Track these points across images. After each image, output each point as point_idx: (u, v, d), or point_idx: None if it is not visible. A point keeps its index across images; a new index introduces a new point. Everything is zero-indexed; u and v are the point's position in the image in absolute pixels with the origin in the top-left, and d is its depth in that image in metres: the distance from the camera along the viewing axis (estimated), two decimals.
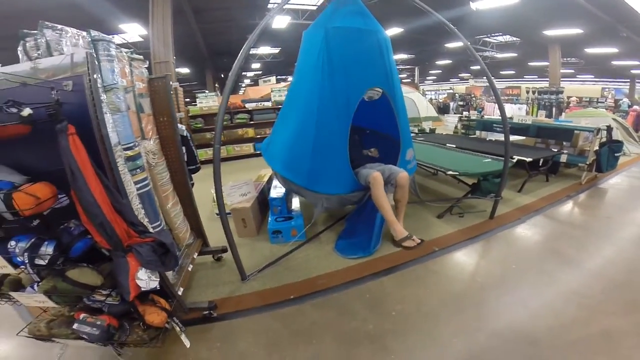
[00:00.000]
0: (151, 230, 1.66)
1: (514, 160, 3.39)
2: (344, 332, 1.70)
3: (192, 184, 2.45)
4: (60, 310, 1.53)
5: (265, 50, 14.07)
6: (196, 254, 2.24)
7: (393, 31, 11.08)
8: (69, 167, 1.19)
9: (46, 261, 1.25)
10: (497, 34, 12.06)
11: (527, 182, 3.82)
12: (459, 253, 2.49)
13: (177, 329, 1.49)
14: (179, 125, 2.33)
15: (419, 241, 2.51)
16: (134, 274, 1.30)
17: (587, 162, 3.98)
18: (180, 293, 1.77)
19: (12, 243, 1.25)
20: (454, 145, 4.58)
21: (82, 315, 1.37)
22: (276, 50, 14.37)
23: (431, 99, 18.67)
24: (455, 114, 13.89)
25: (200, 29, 9.59)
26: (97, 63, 1.44)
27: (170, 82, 2.05)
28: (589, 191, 3.84)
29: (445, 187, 4.10)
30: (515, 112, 10.59)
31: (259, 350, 1.63)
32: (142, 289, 1.32)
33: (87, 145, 1.26)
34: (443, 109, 16.12)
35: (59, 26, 1.29)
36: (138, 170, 1.71)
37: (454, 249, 2.53)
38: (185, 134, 2.34)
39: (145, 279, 1.32)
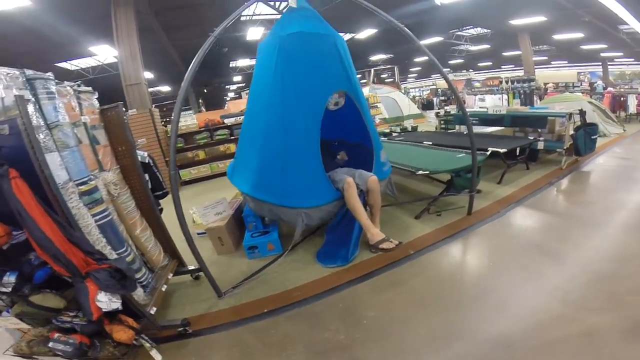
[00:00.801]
0: (115, 256, 1.72)
1: (487, 153, 3.38)
2: (316, 343, 1.71)
3: (161, 209, 2.46)
4: (40, 330, 1.62)
5: (245, 62, 14.17)
6: (171, 274, 2.25)
7: (367, 32, 11.25)
8: (15, 209, 1.23)
9: (9, 289, 1.34)
10: (468, 27, 12.31)
11: (507, 173, 3.82)
12: (436, 253, 2.45)
13: (147, 345, 1.57)
14: (141, 153, 2.34)
15: (397, 243, 2.46)
16: (93, 297, 1.38)
17: (565, 147, 4.03)
18: (152, 312, 1.80)
19: None
20: (431, 142, 4.59)
21: (55, 335, 1.49)
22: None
23: (414, 97, 18.90)
24: (439, 109, 14.10)
25: (174, 46, 9.61)
26: (35, 102, 1.44)
27: (124, 111, 2.04)
28: (570, 176, 3.85)
29: (425, 186, 4.11)
30: (496, 102, 10.80)
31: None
32: (104, 310, 1.40)
33: (35, 184, 1.29)
34: (427, 105, 16.31)
35: None
36: (95, 203, 1.71)
37: (431, 249, 2.49)
38: (147, 161, 2.34)
39: (106, 301, 1.40)
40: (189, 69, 1.90)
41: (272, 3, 8.23)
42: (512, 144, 3.91)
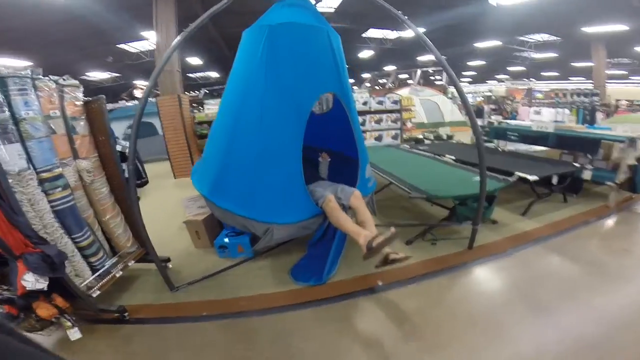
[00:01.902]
0: (65, 240, 1.87)
1: (511, 180, 2.90)
2: (234, 359, 1.72)
3: (138, 198, 2.61)
4: None
5: None
6: (133, 261, 2.39)
7: (411, 32, 10.73)
8: None
9: None
10: (533, 32, 11.15)
11: (536, 204, 3.31)
12: (407, 290, 2.17)
13: (67, 324, 1.71)
14: (123, 142, 2.50)
15: (394, 230, 1.87)
16: (21, 276, 1.52)
17: (617, 180, 3.22)
18: (94, 295, 1.95)
19: None
20: (453, 157, 4.21)
21: None
22: None
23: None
24: (488, 118, 13.07)
25: (220, 33, 9.98)
26: (4, 98, 1.61)
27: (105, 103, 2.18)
28: (616, 216, 3.19)
29: (430, 206, 3.58)
30: (555, 117, 9.68)
31: (145, 356, 1.76)
32: (28, 289, 1.54)
33: None
34: (477, 113, 15.19)
35: None
36: (57, 189, 1.87)
37: (404, 284, 2.22)
38: (126, 151, 2.49)
39: (32, 281, 1.54)
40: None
41: None
42: (547, 170, 3.29)
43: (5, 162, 1.57)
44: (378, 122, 6.47)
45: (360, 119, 6.01)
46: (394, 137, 6.66)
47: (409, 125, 9.21)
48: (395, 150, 5.37)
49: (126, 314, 2.00)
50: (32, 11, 6.21)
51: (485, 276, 2.37)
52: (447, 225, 2.85)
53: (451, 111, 11.67)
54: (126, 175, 2.43)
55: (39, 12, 6.30)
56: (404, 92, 11.94)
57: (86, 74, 13.38)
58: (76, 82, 2.10)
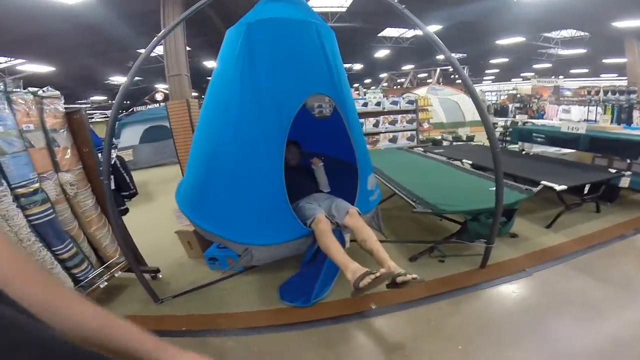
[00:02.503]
0: (44, 253, 1.86)
1: (535, 190, 2.52)
2: None
3: (126, 209, 2.59)
4: None
5: None
6: (120, 272, 2.37)
7: (430, 29, 10.36)
8: None
9: None
10: (559, 29, 10.48)
11: (564, 214, 2.93)
12: (401, 316, 1.96)
13: None
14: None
15: (385, 271, 1.65)
16: None
17: None
18: None
19: None
20: (470, 162, 3.89)
21: None
22: None
23: (484, 101, 16.97)
24: (513, 117, 12.45)
25: None
26: None
27: (86, 113, 2.15)
28: None
29: (445, 220, 3.19)
30: (584, 116, 9.02)
31: None
32: None
33: None
34: (501, 112, 14.53)
35: None
36: (35, 204, 1.85)
37: (401, 308, 2.00)
38: (113, 162, 2.46)
39: None
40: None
41: None
42: (578, 178, 2.91)
43: None
44: (392, 123, 6.18)
45: (372, 119, 5.80)
46: (410, 139, 6.36)
47: (425, 126, 8.85)
48: (405, 153, 5.07)
49: None
50: (52, 19, 6.46)
51: (497, 300, 2.09)
52: (456, 242, 2.56)
53: (473, 110, 11.19)
54: (113, 187, 2.43)
55: (60, 19, 6.55)
56: (421, 91, 11.57)
57: (109, 78, 13.89)
58: (57, 92, 2.07)
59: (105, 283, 2.20)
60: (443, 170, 3.72)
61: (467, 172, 3.47)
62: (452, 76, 18.83)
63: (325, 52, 1.95)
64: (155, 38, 2.00)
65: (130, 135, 9.33)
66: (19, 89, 1.86)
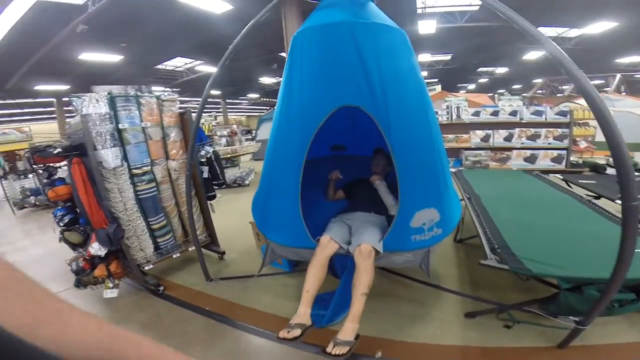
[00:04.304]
0: (139, 222, 2.46)
1: None
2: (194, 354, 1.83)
3: (214, 196, 3.09)
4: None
5: (435, 57, 13.42)
6: (192, 248, 2.83)
7: (600, 26, 7.95)
8: (71, 181, 2.06)
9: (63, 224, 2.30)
10: None
11: None
12: None
13: (110, 285, 2.25)
14: (208, 148, 3.00)
15: (298, 334, 1.58)
16: (91, 243, 2.13)
17: None
18: (147, 267, 2.53)
19: (55, 211, 2.30)
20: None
21: (79, 259, 2.38)
22: (448, 57, 13.43)
23: None
24: None
25: None
26: (112, 113, 2.24)
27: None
28: None
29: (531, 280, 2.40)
30: None
31: (142, 325, 2.13)
32: (92, 253, 2.15)
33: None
34: None
35: (82, 95, 2.15)
36: (143, 182, 2.47)
37: None
38: (209, 156, 2.97)
39: (96, 248, 2.14)
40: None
41: None
42: None
43: (105, 162, 2.20)
44: (532, 138, 4.92)
45: (503, 132, 4.90)
46: (556, 160, 4.90)
47: (582, 145, 6.64)
48: (533, 179, 3.83)
49: (161, 287, 2.48)
50: (216, 26, 7.95)
51: None
52: (537, 313, 1.85)
53: None
54: (204, 175, 2.96)
55: (219, 26, 8.02)
56: (584, 101, 9.06)
57: (259, 79, 16.58)
58: (174, 96, 2.68)
59: (179, 254, 2.74)
60: (575, 211, 2.63)
61: (615, 222, 2.34)
62: None
63: (362, 56, 1.69)
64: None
65: (265, 131, 10.99)
66: (147, 94, 2.48)
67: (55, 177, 2.42)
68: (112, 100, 2.26)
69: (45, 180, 2.42)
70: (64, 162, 2.32)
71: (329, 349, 1.53)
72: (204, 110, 2.41)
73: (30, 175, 6.68)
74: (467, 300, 2.25)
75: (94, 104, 2.14)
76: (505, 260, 1.78)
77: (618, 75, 10.58)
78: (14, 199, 6.40)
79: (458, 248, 2.97)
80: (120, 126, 2.30)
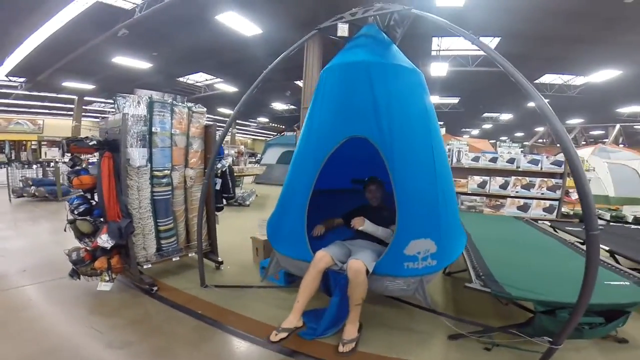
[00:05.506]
0: (148, 221, 2.57)
1: None
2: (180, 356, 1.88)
3: (221, 207, 3.22)
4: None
5: (442, 100, 14.10)
6: (192, 254, 2.96)
7: (604, 75, 8.43)
8: (97, 172, 2.20)
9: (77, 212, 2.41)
10: None
11: None
12: None
13: (106, 277, 2.29)
14: (224, 162, 3.17)
15: (284, 336, 1.96)
16: (100, 235, 2.23)
17: None
18: (146, 266, 2.60)
19: (71, 199, 2.43)
20: (607, 248, 2.74)
21: (82, 248, 2.45)
22: (455, 100, 14.11)
23: None
24: None
25: None
26: (148, 116, 2.44)
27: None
28: None
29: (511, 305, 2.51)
30: None
31: (130, 321, 2.16)
32: (99, 245, 2.23)
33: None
34: None
35: (126, 95, 2.36)
36: (161, 185, 2.63)
37: None
38: (224, 169, 3.13)
39: (104, 240, 2.23)
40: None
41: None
42: None
43: (132, 160, 2.37)
44: (527, 187, 5.09)
45: (500, 179, 5.09)
46: (548, 210, 5.03)
47: (575, 197, 6.72)
48: (522, 225, 4.08)
49: (154, 288, 2.53)
50: (241, 46, 8.37)
51: None
52: (514, 334, 1.97)
53: None
54: (216, 187, 3.10)
55: (244, 47, 8.37)
56: (584, 152, 9.17)
57: (272, 104, 17.20)
58: (203, 109, 2.90)
59: (178, 258, 2.84)
60: (558, 251, 2.86)
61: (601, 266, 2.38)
62: None
63: (374, 93, 1.93)
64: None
65: (271, 155, 11.31)
66: (180, 104, 2.70)
67: (78, 167, 2.56)
68: (150, 105, 2.48)
69: (69, 169, 2.56)
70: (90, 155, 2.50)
71: (340, 349, 1.90)
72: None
73: (35, 166, 6.80)
74: (450, 323, 2.26)
75: (135, 106, 2.35)
76: (488, 285, 1.96)
77: (617, 126, 11.02)
78: (12, 187, 6.48)
79: (446, 280, 3.05)
80: (153, 129, 2.49)
